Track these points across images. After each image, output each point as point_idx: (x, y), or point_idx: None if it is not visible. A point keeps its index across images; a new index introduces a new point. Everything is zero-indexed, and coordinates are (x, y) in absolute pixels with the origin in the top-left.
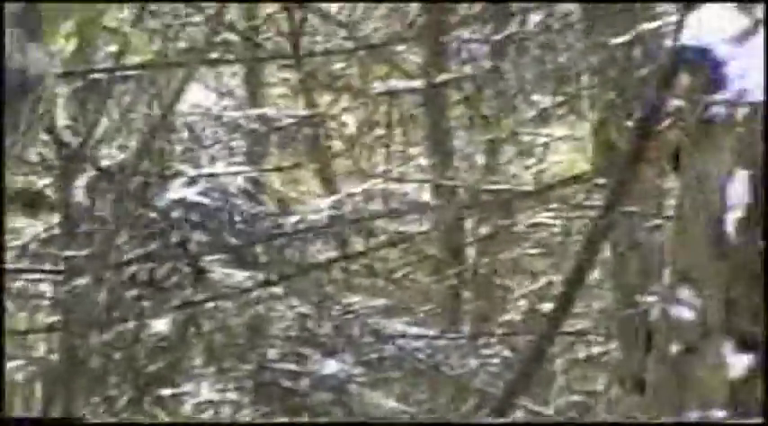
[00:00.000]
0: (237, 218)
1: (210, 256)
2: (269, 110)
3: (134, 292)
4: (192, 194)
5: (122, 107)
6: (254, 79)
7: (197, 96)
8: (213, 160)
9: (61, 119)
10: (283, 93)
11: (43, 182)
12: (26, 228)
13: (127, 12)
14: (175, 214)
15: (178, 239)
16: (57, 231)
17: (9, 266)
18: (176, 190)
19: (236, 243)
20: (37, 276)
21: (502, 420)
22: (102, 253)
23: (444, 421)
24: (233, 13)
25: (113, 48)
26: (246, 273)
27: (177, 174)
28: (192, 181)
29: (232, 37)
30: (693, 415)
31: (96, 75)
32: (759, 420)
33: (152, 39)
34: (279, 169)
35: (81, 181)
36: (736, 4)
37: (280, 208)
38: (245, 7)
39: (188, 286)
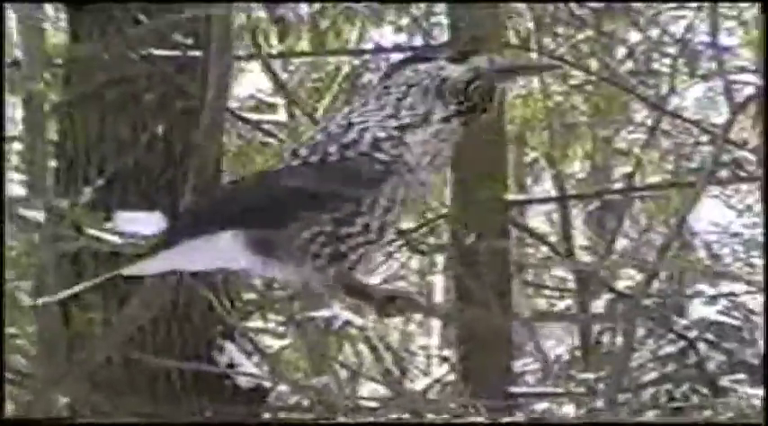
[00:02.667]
0: (757, 337)
1: (729, 376)
2: None
3: (653, 413)
4: (711, 313)
5: (639, 226)
6: None
7: (714, 214)
8: (734, 279)
9: (579, 240)
10: None
11: (564, 304)
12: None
13: (639, 134)
14: (692, 334)
15: (696, 359)
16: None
17: (533, 390)
18: (696, 310)
19: (754, 362)
20: (561, 399)
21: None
22: (618, 377)
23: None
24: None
25: (626, 168)
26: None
27: (697, 294)
28: (712, 301)
29: (743, 153)
30: None
31: (610, 196)
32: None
33: (664, 159)
34: None
35: (599, 303)
36: None
37: None
38: (752, 123)
39: (707, 406)
